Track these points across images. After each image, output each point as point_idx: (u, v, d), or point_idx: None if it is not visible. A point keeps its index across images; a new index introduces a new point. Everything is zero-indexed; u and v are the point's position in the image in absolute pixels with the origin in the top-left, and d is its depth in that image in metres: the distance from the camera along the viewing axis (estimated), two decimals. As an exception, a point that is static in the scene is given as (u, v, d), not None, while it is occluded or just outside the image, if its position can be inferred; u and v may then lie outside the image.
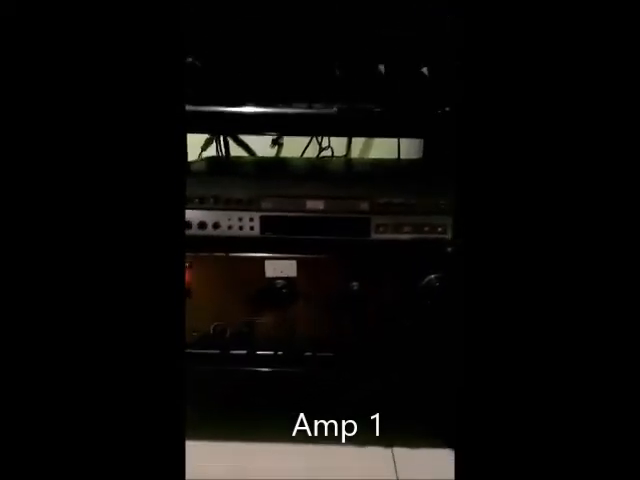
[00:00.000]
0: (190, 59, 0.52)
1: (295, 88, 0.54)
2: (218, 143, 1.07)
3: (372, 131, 0.56)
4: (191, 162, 0.83)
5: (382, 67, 0.50)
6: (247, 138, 1.13)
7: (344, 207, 0.55)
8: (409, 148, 1.11)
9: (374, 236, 0.55)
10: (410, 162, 0.93)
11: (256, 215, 0.56)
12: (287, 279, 0.57)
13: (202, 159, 1.05)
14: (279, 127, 0.59)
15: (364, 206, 0.54)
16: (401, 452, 0.65)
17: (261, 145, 1.14)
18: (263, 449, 0.64)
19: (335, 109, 0.48)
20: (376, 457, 0.64)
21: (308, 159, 0.98)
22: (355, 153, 1.12)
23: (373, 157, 1.11)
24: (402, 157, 0.99)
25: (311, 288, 0.57)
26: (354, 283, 0.57)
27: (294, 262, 0.56)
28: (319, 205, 0.54)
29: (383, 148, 1.18)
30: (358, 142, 1.16)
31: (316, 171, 0.71)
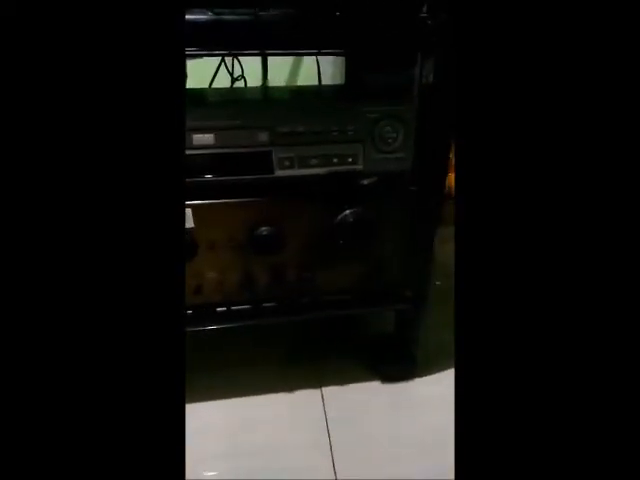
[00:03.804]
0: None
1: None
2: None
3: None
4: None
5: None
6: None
7: (239, 140, 0.46)
8: (334, 74, 1.01)
9: (278, 172, 0.48)
10: (331, 88, 0.84)
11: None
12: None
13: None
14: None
15: (263, 137, 0.46)
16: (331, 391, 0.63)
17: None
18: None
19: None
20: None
21: (217, 89, 0.86)
22: (274, 83, 1.00)
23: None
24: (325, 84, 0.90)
25: (213, 238, 0.50)
26: (263, 228, 0.51)
27: (189, 210, 0.49)
28: (208, 139, 0.46)
29: (306, 77, 1.07)
30: (278, 71, 1.04)
31: (209, 100, 0.61)
